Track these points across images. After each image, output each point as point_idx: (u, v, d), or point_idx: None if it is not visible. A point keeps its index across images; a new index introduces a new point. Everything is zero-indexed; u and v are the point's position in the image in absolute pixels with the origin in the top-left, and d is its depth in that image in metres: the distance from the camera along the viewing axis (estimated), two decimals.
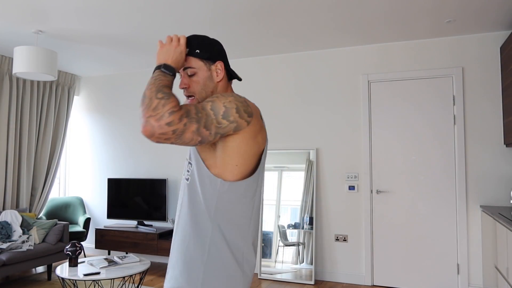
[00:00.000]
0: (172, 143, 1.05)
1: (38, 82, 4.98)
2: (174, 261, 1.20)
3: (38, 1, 3.09)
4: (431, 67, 3.97)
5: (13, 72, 3.64)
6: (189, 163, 1.25)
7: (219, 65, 1.26)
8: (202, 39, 1.27)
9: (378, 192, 4.10)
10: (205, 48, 1.25)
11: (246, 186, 1.18)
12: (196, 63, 1.24)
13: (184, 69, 1.25)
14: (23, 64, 3.58)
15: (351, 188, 4.18)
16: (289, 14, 3.36)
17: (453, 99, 3.90)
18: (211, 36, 3.94)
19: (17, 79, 4.74)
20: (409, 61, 4.05)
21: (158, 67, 1.16)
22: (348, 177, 4.20)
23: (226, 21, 3.51)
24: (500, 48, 3.72)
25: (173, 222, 4.71)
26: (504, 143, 3.66)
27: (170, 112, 1.02)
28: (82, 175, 5.60)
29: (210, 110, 1.09)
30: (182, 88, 1.26)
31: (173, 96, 1.06)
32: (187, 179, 1.23)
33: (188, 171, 1.23)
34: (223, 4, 3.15)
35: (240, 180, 1.16)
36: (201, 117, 1.07)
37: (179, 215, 1.24)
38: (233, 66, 4.78)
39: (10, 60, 4.64)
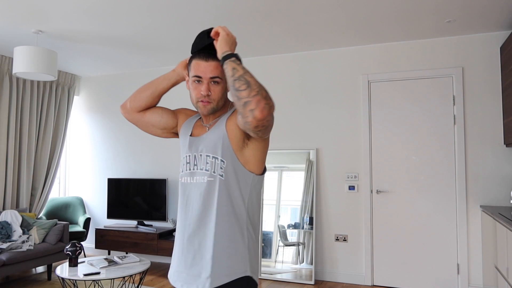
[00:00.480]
0: (266, 129, 1.21)
1: (38, 82, 4.98)
2: (217, 252, 1.29)
3: (38, 1, 3.09)
4: (431, 67, 3.97)
5: (13, 72, 3.64)
6: (216, 158, 1.32)
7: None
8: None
9: (378, 192, 4.11)
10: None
11: (263, 177, 1.43)
12: (222, 72, 1.34)
13: (212, 77, 1.33)
14: (23, 64, 3.58)
15: (351, 188, 4.18)
16: (289, 15, 3.36)
17: (453, 99, 3.90)
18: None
19: (17, 79, 4.74)
20: (409, 61, 4.05)
21: (231, 55, 1.25)
22: (348, 177, 4.20)
23: (227, 21, 3.51)
24: (500, 48, 3.72)
25: (173, 222, 4.71)
26: (504, 143, 3.66)
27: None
28: (82, 175, 5.61)
29: None
30: (206, 94, 1.33)
31: None
32: (221, 175, 1.31)
33: (221, 168, 1.31)
34: (224, 5, 3.15)
35: (263, 173, 1.39)
36: None
37: (206, 209, 1.31)
38: None
39: (10, 60, 4.64)
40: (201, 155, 1.35)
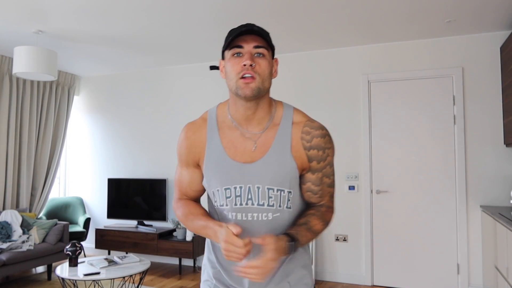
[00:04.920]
0: None
1: (38, 82, 4.98)
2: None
3: (38, 1, 3.09)
4: (431, 67, 3.97)
5: (13, 72, 3.64)
6: (282, 191, 1.15)
7: (275, 63, 1.18)
8: (262, 28, 1.14)
9: (378, 192, 4.11)
10: (269, 37, 1.14)
11: None
12: (269, 45, 1.13)
13: (255, 47, 1.09)
14: (23, 64, 3.58)
15: (351, 188, 4.18)
16: (289, 15, 3.36)
17: (453, 99, 3.90)
18: (207, 38, 3.94)
19: (17, 79, 4.74)
20: (409, 61, 4.05)
21: (291, 248, 1.09)
22: (348, 177, 4.20)
23: (226, 21, 3.51)
24: (500, 48, 3.72)
25: (173, 222, 4.71)
26: (504, 143, 3.66)
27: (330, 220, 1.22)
28: (82, 175, 5.61)
29: (333, 175, 1.24)
30: (248, 66, 1.07)
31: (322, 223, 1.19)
32: (290, 207, 1.18)
33: (288, 200, 1.16)
34: (223, 5, 3.15)
35: None
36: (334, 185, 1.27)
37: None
38: None
39: (10, 60, 4.64)
40: (258, 187, 1.13)
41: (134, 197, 4.96)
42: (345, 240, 4.19)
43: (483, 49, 3.82)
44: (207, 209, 1.28)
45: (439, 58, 3.95)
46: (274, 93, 4.56)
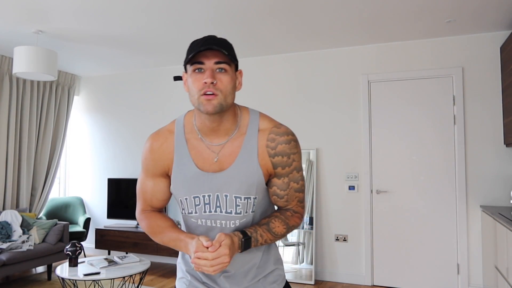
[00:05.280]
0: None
1: (38, 82, 4.98)
2: (262, 262, 1.27)
3: (38, 1, 3.09)
4: (431, 67, 3.97)
5: (13, 72, 3.64)
6: (249, 198, 1.17)
7: (240, 74, 1.18)
8: (225, 40, 1.13)
9: (378, 192, 4.11)
10: (232, 50, 1.12)
11: None
12: (231, 60, 1.11)
13: (216, 63, 1.08)
14: (23, 64, 3.58)
15: (351, 188, 4.18)
16: (288, 15, 3.36)
17: (453, 99, 3.90)
18: None
19: (17, 79, 4.74)
20: (409, 61, 4.05)
21: (247, 246, 1.14)
22: (348, 177, 4.20)
23: (226, 21, 3.51)
24: (500, 48, 3.72)
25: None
26: (504, 143, 3.66)
27: (297, 224, 1.25)
28: (82, 175, 5.60)
29: (302, 179, 1.25)
30: (209, 84, 1.07)
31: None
32: (254, 211, 1.19)
33: (254, 204, 1.18)
34: (222, 5, 3.15)
35: None
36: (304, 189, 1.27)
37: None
38: None
39: (10, 60, 4.64)
40: (226, 196, 1.16)
41: (134, 197, 4.96)
42: (345, 240, 4.19)
43: (483, 49, 3.82)
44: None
45: (439, 58, 3.95)
46: (274, 93, 4.56)
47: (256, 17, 3.43)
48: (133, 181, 4.98)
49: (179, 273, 1.32)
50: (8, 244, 3.86)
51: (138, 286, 3.38)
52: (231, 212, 1.16)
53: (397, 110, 4.08)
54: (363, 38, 4.00)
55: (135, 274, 3.45)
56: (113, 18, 3.46)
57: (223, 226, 1.18)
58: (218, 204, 1.16)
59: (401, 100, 4.07)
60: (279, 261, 1.31)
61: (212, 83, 1.06)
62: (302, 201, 1.25)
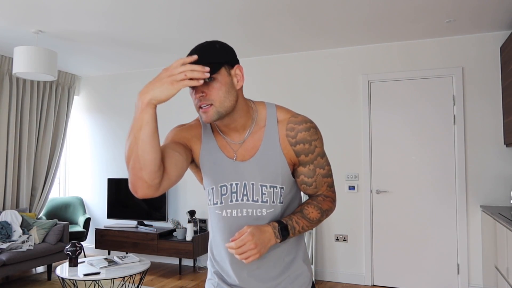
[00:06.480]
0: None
1: (38, 82, 4.98)
2: (288, 260, 1.25)
3: (38, 1, 3.09)
4: (431, 67, 3.97)
5: (13, 72, 3.64)
6: (275, 187, 1.17)
7: (238, 70, 1.13)
8: (211, 43, 1.11)
9: (378, 192, 4.11)
10: (220, 52, 1.10)
11: None
12: (216, 68, 1.08)
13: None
14: (23, 64, 3.58)
15: (351, 188, 4.18)
16: (288, 15, 3.36)
17: (453, 99, 3.90)
18: (207, 38, 3.94)
19: (17, 79, 4.74)
20: (409, 61, 4.05)
21: (284, 235, 1.15)
22: (348, 177, 4.20)
23: (222, 22, 3.51)
24: (500, 48, 3.72)
25: (173, 222, 4.71)
26: (504, 143, 3.66)
27: (331, 208, 1.27)
28: (82, 175, 5.61)
29: (328, 165, 1.26)
30: (199, 98, 1.08)
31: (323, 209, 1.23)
32: (282, 202, 1.19)
33: (281, 195, 1.18)
34: (222, 5, 3.15)
35: None
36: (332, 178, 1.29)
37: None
38: None
39: (10, 60, 4.64)
40: (253, 184, 1.17)
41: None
42: (345, 240, 4.19)
43: (483, 49, 3.82)
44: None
45: (439, 58, 3.95)
46: (274, 93, 4.56)
47: (256, 18, 3.43)
48: None
49: (208, 274, 1.34)
50: (8, 244, 3.86)
51: (138, 286, 3.38)
52: (257, 201, 1.17)
53: (397, 110, 4.08)
54: (363, 38, 4.00)
55: (135, 274, 3.45)
56: (113, 18, 3.46)
57: (250, 215, 1.17)
58: (245, 193, 1.17)
59: (401, 100, 4.07)
60: (307, 260, 1.30)
61: (202, 96, 1.08)
62: (331, 186, 1.27)
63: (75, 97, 5.71)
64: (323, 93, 4.36)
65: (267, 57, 4.63)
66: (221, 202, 1.19)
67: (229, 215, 1.18)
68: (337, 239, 4.22)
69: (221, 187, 1.18)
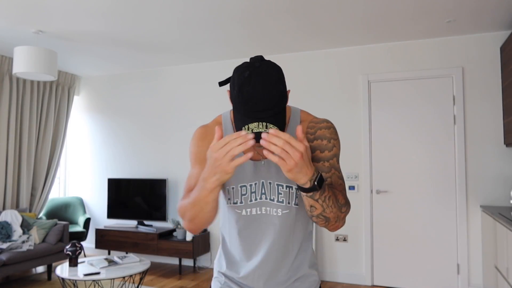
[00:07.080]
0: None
1: (38, 82, 4.98)
2: (296, 264, 1.24)
3: (38, 1, 3.09)
4: (431, 67, 3.97)
5: (13, 72, 3.64)
6: (291, 187, 1.16)
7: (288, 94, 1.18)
8: (268, 89, 1.05)
9: (378, 192, 4.11)
10: (282, 98, 1.05)
11: None
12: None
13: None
14: (23, 64, 3.58)
15: (351, 188, 4.18)
16: (289, 15, 3.36)
17: (453, 99, 3.90)
18: (207, 38, 3.94)
19: (17, 79, 4.74)
20: (409, 61, 4.05)
21: (310, 189, 1.01)
22: (348, 177, 4.20)
23: (223, 22, 3.51)
24: (500, 48, 3.72)
25: (173, 222, 4.71)
26: (504, 143, 3.66)
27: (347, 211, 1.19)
28: (82, 175, 5.61)
29: (341, 172, 1.22)
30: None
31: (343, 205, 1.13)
32: (297, 204, 1.18)
33: (296, 196, 1.17)
34: (222, 5, 3.15)
35: None
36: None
37: (286, 241, 1.21)
38: (231, 66, 4.78)
39: (10, 60, 4.64)
40: (270, 183, 1.17)
41: (134, 197, 4.96)
42: (345, 240, 4.19)
43: (483, 49, 3.82)
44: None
45: (439, 58, 3.95)
46: None
47: (256, 18, 3.43)
48: (133, 181, 4.98)
49: (214, 273, 1.35)
50: (8, 244, 3.86)
51: (138, 286, 3.38)
52: (273, 200, 1.17)
53: (397, 110, 4.08)
54: (363, 38, 4.00)
55: (135, 274, 3.45)
56: (113, 18, 3.46)
57: (268, 213, 1.18)
58: (263, 191, 1.18)
59: (401, 100, 4.07)
60: (314, 265, 1.30)
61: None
62: (345, 191, 1.20)
63: (75, 97, 5.71)
64: (323, 93, 4.36)
65: (267, 57, 4.62)
66: (241, 202, 1.20)
67: (248, 213, 1.21)
68: (337, 239, 4.22)
69: (241, 187, 1.19)
